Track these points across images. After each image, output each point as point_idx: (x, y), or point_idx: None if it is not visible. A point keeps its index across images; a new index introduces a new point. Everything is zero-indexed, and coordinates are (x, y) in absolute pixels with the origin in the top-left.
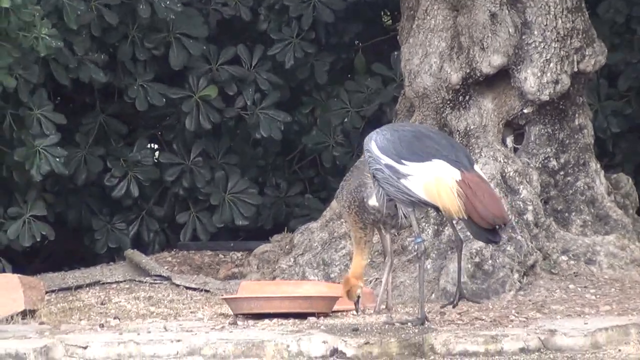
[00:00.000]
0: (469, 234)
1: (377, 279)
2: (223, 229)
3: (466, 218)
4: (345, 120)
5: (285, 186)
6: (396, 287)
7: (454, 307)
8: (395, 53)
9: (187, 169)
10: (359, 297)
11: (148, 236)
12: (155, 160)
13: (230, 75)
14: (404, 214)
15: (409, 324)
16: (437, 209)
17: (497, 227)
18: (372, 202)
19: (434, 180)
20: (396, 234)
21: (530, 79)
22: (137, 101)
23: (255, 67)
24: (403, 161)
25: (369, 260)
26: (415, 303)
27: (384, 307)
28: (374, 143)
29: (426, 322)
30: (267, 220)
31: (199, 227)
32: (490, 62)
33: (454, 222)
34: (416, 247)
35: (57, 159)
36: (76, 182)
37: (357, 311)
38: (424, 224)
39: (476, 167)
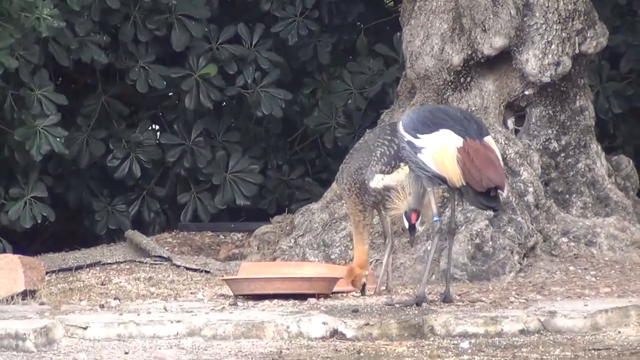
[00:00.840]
0: (469, 215)
1: (377, 260)
2: (224, 210)
3: (465, 184)
4: (349, 102)
5: (286, 168)
6: (396, 269)
7: (444, 301)
8: (398, 34)
9: (188, 149)
10: (364, 284)
11: (149, 217)
12: (157, 141)
13: (231, 54)
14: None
15: (410, 304)
16: (446, 181)
17: (493, 191)
18: (373, 184)
19: (439, 150)
20: None
21: (531, 61)
22: (138, 83)
23: (255, 46)
24: (418, 135)
25: (369, 244)
26: (416, 284)
27: (384, 288)
28: (401, 123)
29: (424, 303)
30: (270, 204)
31: (200, 208)
32: (492, 43)
33: (456, 203)
34: (433, 226)
35: (58, 139)
36: (78, 165)
37: (363, 294)
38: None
39: (487, 138)
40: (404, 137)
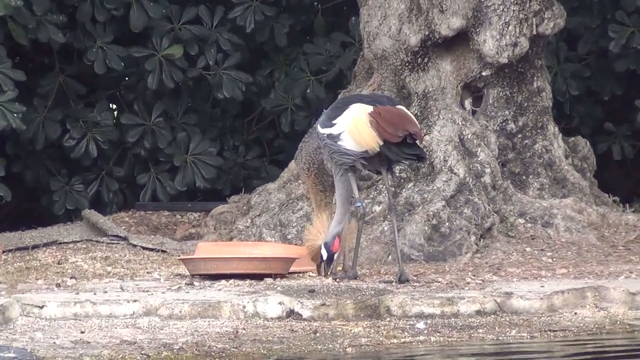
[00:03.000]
0: (426, 196)
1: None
2: (182, 192)
3: (382, 143)
4: (308, 90)
5: (243, 150)
6: (353, 249)
7: (399, 282)
8: (353, 18)
9: (149, 130)
10: (322, 259)
11: (107, 196)
12: (114, 121)
13: (193, 34)
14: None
15: (343, 278)
16: (368, 159)
17: (409, 138)
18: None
19: (352, 123)
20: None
21: (489, 42)
22: (95, 64)
23: (216, 28)
24: (332, 122)
25: (328, 222)
26: (372, 265)
27: (340, 268)
28: (319, 124)
29: (354, 279)
30: (225, 185)
31: (159, 189)
32: (449, 24)
33: (389, 181)
34: (355, 210)
35: (15, 115)
36: (35, 145)
37: (325, 274)
38: (380, 185)
39: (399, 106)
40: (324, 134)
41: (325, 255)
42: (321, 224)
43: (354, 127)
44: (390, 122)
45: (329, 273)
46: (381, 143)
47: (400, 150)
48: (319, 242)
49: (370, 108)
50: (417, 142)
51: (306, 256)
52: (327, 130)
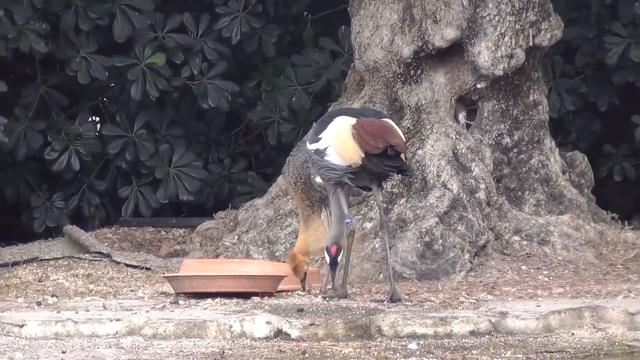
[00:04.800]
0: (419, 212)
1: (322, 258)
2: (166, 205)
3: (363, 155)
4: (294, 99)
5: (229, 162)
6: (343, 267)
7: (391, 301)
8: (343, 27)
9: (131, 142)
10: (305, 274)
11: (88, 211)
12: (97, 134)
13: (177, 43)
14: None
15: (332, 297)
16: (355, 174)
17: (390, 149)
18: (319, 179)
19: (335, 136)
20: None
21: (484, 53)
22: (79, 74)
23: (201, 37)
24: (319, 136)
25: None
26: (363, 283)
27: (330, 287)
28: (307, 141)
29: (344, 298)
30: (208, 198)
31: (142, 202)
32: (443, 35)
33: (380, 197)
34: (346, 227)
35: None
36: (15, 157)
37: (303, 289)
38: (372, 201)
39: (385, 119)
40: (312, 150)
41: (328, 259)
42: (306, 238)
43: (337, 141)
44: (371, 134)
45: (334, 278)
46: (362, 155)
47: (381, 162)
48: (300, 257)
49: (353, 120)
50: (402, 154)
51: (289, 263)
52: (314, 146)
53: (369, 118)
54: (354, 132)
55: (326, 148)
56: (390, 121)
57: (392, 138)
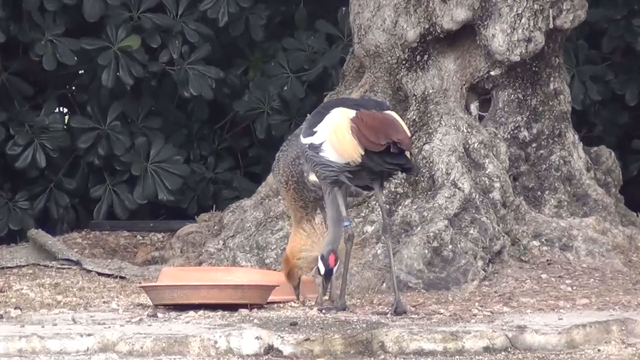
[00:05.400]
0: (425, 214)
1: (317, 268)
2: (143, 207)
3: (363, 153)
4: (285, 88)
5: (213, 160)
6: (341, 275)
7: (395, 313)
8: (343, 9)
9: (103, 135)
10: (299, 279)
11: (56, 213)
12: (65, 126)
13: (154, 24)
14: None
15: (329, 309)
16: (353, 172)
17: (394, 147)
18: (313, 177)
19: (332, 130)
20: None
21: (498, 37)
22: (44, 59)
23: (181, 17)
24: (314, 129)
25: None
26: (364, 294)
27: (326, 298)
28: (301, 134)
29: (343, 311)
30: (192, 201)
31: (116, 203)
32: (453, 16)
33: (382, 197)
34: (345, 230)
35: None
36: None
37: (297, 297)
38: (373, 202)
39: (388, 111)
40: (306, 144)
41: (322, 269)
42: (299, 240)
43: (334, 136)
44: (372, 129)
45: (327, 289)
46: (362, 152)
47: (382, 160)
48: (294, 260)
49: (352, 113)
50: (406, 151)
51: (283, 268)
52: (308, 140)
53: (369, 110)
54: (352, 127)
55: (322, 143)
56: (393, 114)
57: (395, 133)
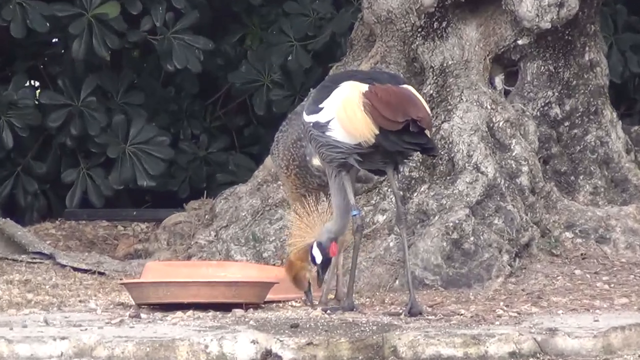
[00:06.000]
0: (444, 202)
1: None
2: (123, 193)
3: (378, 132)
4: (288, 59)
5: (205, 140)
6: (349, 271)
7: (409, 314)
8: None
9: (77, 112)
10: (309, 283)
11: (25, 200)
12: (36, 102)
13: None
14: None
15: (335, 309)
16: (364, 155)
17: (413, 125)
18: (316, 161)
19: (341, 106)
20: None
21: (526, 1)
22: (12, 25)
23: None
24: (319, 106)
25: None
26: (374, 292)
27: (332, 297)
28: (304, 111)
29: (351, 311)
30: (181, 186)
31: (92, 189)
32: None
33: (396, 180)
34: (353, 220)
35: None
36: None
37: (310, 303)
38: (385, 188)
39: (405, 85)
40: (310, 122)
41: (318, 258)
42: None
43: (344, 112)
44: (388, 104)
45: (323, 281)
46: (377, 132)
47: (400, 140)
48: (298, 263)
49: (364, 87)
50: (425, 130)
51: (287, 274)
52: (313, 118)
53: (383, 84)
54: (365, 102)
55: (329, 121)
56: (410, 88)
57: (414, 110)
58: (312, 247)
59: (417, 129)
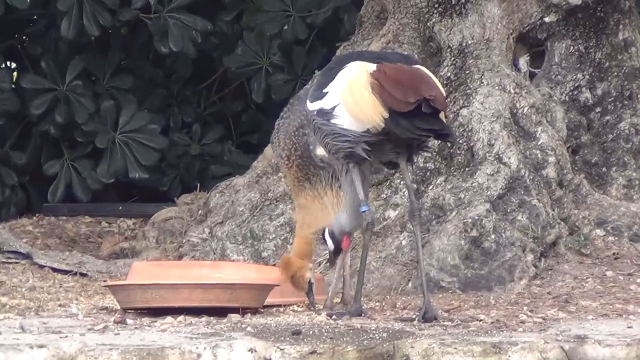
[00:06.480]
0: (462, 196)
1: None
2: (109, 187)
3: (388, 115)
4: (285, 28)
5: (198, 128)
6: (357, 272)
7: (423, 320)
8: None
9: (62, 97)
10: (311, 283)
11: (2, 194)
12: (14, 86)
13: None
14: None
15: (342, 315)
16: (373, 144)
17: (426, 106)
18: (320, 150)
19: (347, 88)
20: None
21: None
22: None
23: None
24: (323, 91)
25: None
26: (385, 295)
27: (338, 300)
28: (308, 98)
29: (359, 316)
30: (173, 181)
31: (76, 182)
32: None
33: (409, 172)
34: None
35: None
36: None
37: (312, 306)
38: (397, 180)
39: (417, 65)
40: (313, 110)
41: (330, 245)
42: (305, 243)
43: (350, 95)
44: (398, 83)
45: (333, 261)
46: (386, 114)
47: (412, 125)
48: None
49: (372, 66)
50: (440, 112)
51: (282, 273)
52: (317, 105)
53: (394, 63)
54: (373, 83)
55: (334, 107)
56: (423, 68)
57: (426, 88)
58: (324, 231)
59: (430, 109)
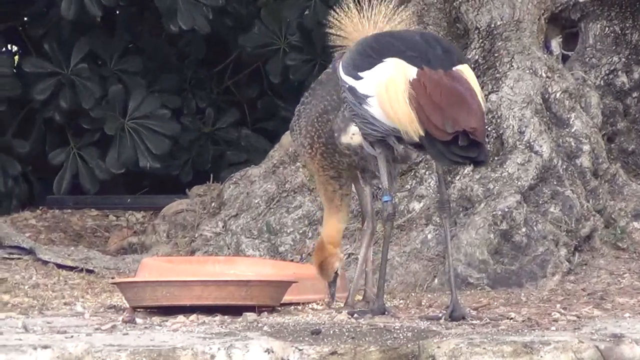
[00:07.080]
0: (491, 187)
1: (351, 254)
2: (118, 177)
3: (423, 134)
4: (306, 13)
5: (211, 114)
6: (379, 268)
7: (450, 318)
8: None
9: (66, 82)
10: (337, 274)
11: (3, 185)
12: (15, 70)
13: None
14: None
15: (364, 313)
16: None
17: (462, 138)
18: (346, 138)
19: (384, 87)
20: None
21: None
22: None
23: None
24: (359, 73)
25: (346, 224)
26: (409, 292)
27: (360, 297)
28: (341, 64)
29: (382, 315)
30: (184, 168)
31: (83, 173)
32: None
33: (440, 173)
34: (384, 207)
35: None
36: None
37: (331, 298)
38: (422, 170)
39: (460, 67)
40: (345, 83)
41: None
42: (335, 224)
43: (385, 94)
44: (437, 107)
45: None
46: (422, 134)
47: (448, 151)
48: (330, 248)
49: (412, 72)
50: (478, 140)
51: (315, 256)
52: (350, 81)
53: (434, 68)
54: (412, 94)
55: (367, 97)
56: (464, 71)
57: (466, 118)
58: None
59: (467, 142)
